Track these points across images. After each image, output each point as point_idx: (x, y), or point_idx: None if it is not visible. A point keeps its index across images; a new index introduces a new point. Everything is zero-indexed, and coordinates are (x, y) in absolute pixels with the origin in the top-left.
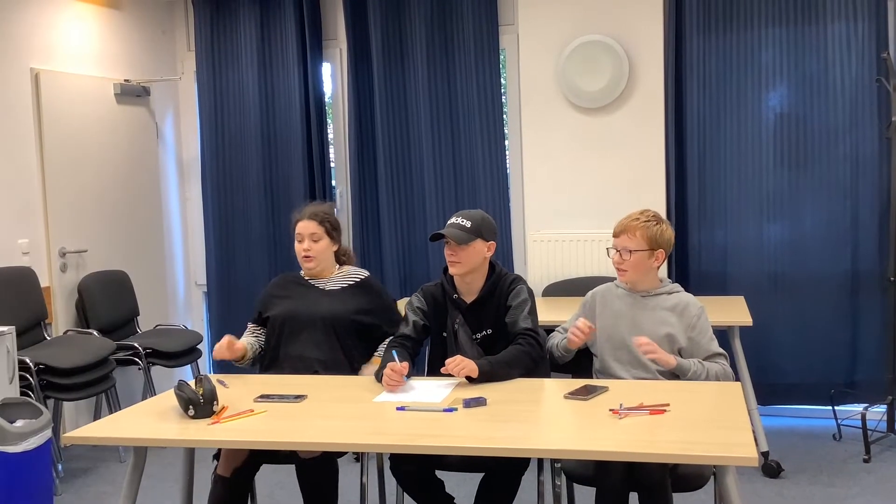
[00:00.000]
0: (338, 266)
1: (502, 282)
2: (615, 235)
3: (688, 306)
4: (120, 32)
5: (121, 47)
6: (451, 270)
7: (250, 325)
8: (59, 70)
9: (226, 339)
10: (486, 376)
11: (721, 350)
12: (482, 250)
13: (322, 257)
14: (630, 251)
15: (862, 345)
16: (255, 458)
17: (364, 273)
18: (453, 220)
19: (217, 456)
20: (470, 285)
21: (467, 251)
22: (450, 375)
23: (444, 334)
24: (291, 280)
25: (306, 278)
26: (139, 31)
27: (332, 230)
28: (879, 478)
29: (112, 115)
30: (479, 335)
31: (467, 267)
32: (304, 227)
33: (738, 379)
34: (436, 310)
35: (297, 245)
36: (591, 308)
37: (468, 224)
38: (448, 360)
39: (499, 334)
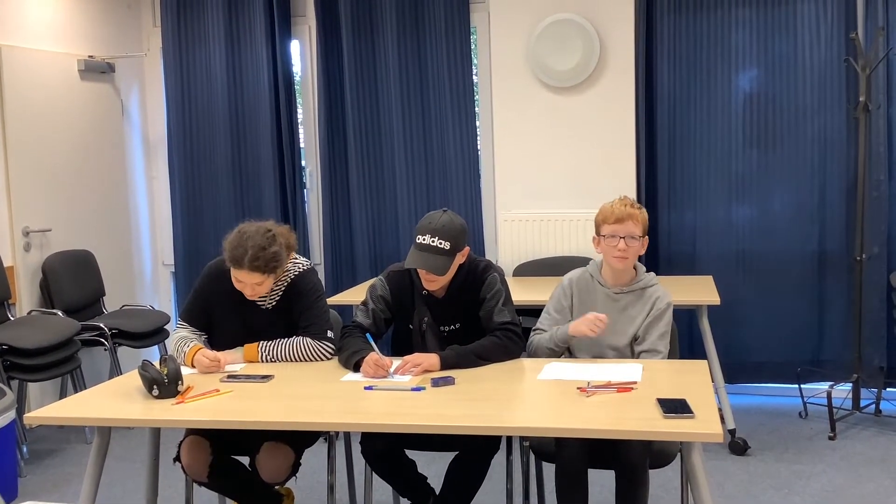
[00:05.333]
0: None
1: (473, 270)
2: (617, 222)
3: (657, 300)
4: (84, 7)
5: (85, 23)
6: (429, 286)
7: (190, 329)
8: (21, 46)
9: (207, 353)
10: (449, 368)
11: (662, 349)
12: (459, 262)
13: (267, 289)
14: (637, 237)
15: (828, 324)
16: (218, 456)
17: (296, 271)
18: (427, 239)
19: (178, 458)
20: (440, 294)
21: (447, 272)
22: None
23: (411, 326)
24: (233, 289)
25: None
26: (104, 6)
27: (278, 268)
28: (844, 455)
29: (76, 92)
30: (446, 329)
31: (445, 282)
32: (246, 277)
33: (705, 357)
34: (401, 300)
35: (235, 281)
36: (571, 297)
37: (446, 245)
38: (402, 361)
39: (468, 328)
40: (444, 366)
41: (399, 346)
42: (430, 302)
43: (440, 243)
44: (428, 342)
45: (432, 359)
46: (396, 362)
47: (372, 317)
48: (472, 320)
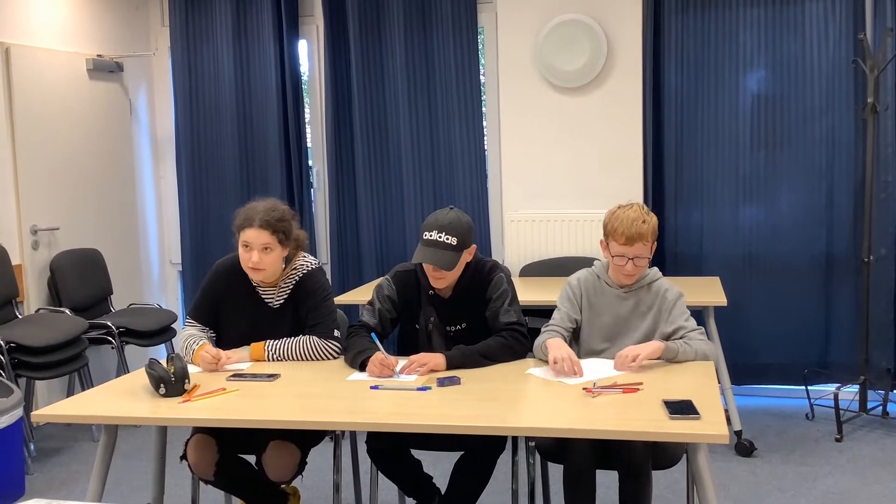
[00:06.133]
0: (283, 265)
1: (480, 270)
2: (626, 243)
3: (666, 293)
4: (92, 7)
5: (93, 22)
6: (436, 284)
7: (199, 327)
8: (30, 45)
9: (210, 350)
10: (455, 368)
11: (699, 327)
12: (466, 259)
13: (272, 268)
14: (646, 256)
15: (835, 325)
16: (224, 455)
17: (304, 269)
18: (434, 235)
19: (184, 456)
20: (446, 294)
21: (453, 269)
22: None
23: (417, 326)
24: (241, 287)
25: (254, 285)
26: (112, 5)
27: (286, 237)
28: (851, 457)
29: (84, 91)
30: (452, 329)
31: (452, 279)
32: (255, 237)
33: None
34: (407, 300)
35: (242, 252)
36: (580, 296)
37: (453, 241)
38: (408, 360)
39: (474, 328)
40: (450, 366)
41: (405, 346)
42: (437, 302)
43: (447, 239)
44: (434, 342)
45: (438, 359)
46: (402, 362)
47: (378, 316)
48: (478, 320)
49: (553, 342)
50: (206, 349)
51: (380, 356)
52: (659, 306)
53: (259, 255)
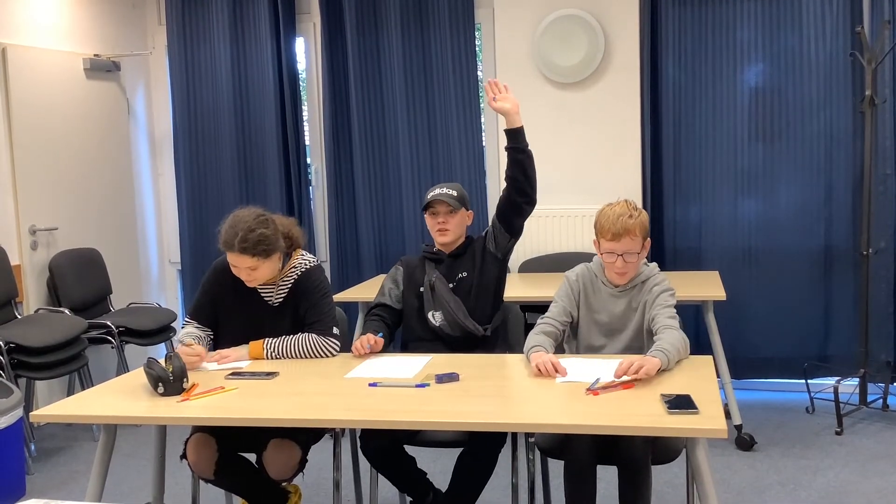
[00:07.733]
0: (281, 265)
1: (472, 239)
2: (613, 239)
3: (654, 287)
4: (89, 6)
5: (90, 21)
6: (441, 239)
7: (195, 325)
8: (26, 45)
9: (196, 347)
10: (518, 135)
11: (675, 316)
12: (466, 220)
13: (266, 277)
14: (636, 252)
15: (835, 319)
16: (224, 453)
17: (303, 267)
18: (438, 190)
19: (184, 455)
20: (448, 250)
21: (455, 219)
22: (420, 353)
23: (422, 289)
24: (240, 285)
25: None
26: (109, 4)
27: (270, 251)
28: (851, 450)
29: (82, 91)
30: (453, 282)
31: (455, 235)
32: (238, 261)
33: (711, 353)
34: (413, 273)
35: (232, 267)
36: (578, 292)
37: (455, 193)
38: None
39: (474, 276)
40: (515, 126)
41: (409, 310)
42: (441, 257)
43: (450, 191)
44: (439, 294)
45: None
46: (399, 357)
47: (388, 294)
48: (477, 269)
49: (534, 355)
50: (194, 347)
51: (367, 336)
52: (647, 300)
53: (247, 273)
